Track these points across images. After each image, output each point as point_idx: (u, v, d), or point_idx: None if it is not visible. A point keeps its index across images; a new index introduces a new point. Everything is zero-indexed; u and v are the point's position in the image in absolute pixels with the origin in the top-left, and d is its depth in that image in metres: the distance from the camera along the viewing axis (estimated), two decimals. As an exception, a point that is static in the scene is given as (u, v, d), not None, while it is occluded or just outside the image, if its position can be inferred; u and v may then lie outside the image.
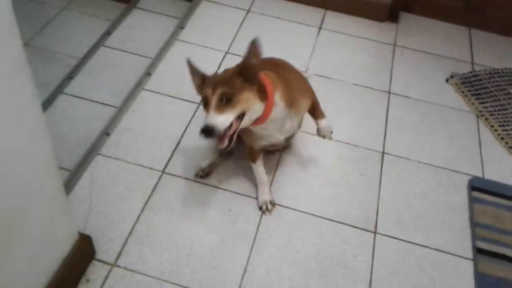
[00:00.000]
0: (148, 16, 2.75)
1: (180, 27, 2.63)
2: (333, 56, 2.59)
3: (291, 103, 1.61)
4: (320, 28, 2.75)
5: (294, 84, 1.67)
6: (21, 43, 1.00)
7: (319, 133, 1.85)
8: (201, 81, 1.55)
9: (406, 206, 1.94)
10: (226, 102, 1.41)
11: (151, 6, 2.84)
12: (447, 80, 2.52)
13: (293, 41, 2.65)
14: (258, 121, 1.54)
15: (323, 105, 2.23)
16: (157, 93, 2.26)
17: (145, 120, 2.13)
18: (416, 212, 1.92)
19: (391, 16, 2.85)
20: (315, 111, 1.81)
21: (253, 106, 1.47)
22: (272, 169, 2.00)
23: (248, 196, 1.90)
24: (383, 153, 2.13)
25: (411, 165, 2.09)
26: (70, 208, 1.46)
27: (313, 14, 2.84)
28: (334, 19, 2.83)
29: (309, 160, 2.07)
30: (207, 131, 1.38)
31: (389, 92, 2.42)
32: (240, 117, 1.45)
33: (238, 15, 2.75)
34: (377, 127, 2.24)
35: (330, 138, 1.86)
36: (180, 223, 1.78)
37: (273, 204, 1.88)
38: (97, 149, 1.98)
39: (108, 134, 2.04)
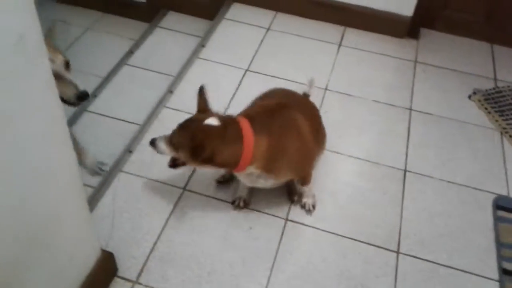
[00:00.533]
0: (170, 34, 2.79)
1: (201, 45, 2.66)
2: (353, 73, 2.59)
3: (271, 171, 1.62)
4: (340, 45, 2.76)
5: (291, 156, 1.64)
6: (49, 63, 1.02)
7: (301, 198, 1.91)
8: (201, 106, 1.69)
9: (429, 225, 1.91)
10: (172, 144, 1.59)
11: (173, 25, 2.89)
12: (469, 97, 2.50)
13: (313, 58, 2.66)
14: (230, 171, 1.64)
15: (344, 123, 2.23)
16: (179, 110, 2.28)
17: (167, 137, 2.15)
18: (439, 232, 1.89)
19: (411, 32, 2.84)
20: (302, 180, 1.84)
21: (190, 165, 1.61)
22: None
23: (268, 214, 1.90)
24: (405, 171, 2.10)
25: (434, 183, 2.07)
26: (94, 225, 1.48)
27: (332, 31, 2.85)
28: (354, 36, 2.83)
29: (330, 177, 2.06)
30: (152, 141, 1.66)
31: (411, 109, 2.40)
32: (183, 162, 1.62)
33: (258, 33, 2.78)
34: (398, 144, 2.22)
35: (309, 210, 1.89)
36: (201, 240, 1.78)
37: (314, 206, 1.91)
38: (119, 166, 2.01)
39: (130, 152, 2.07)
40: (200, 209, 1.89)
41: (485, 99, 2.46)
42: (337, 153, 2.15)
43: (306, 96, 2.16)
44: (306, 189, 1.87)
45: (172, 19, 2.97)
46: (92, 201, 1.86)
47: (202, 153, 1.49)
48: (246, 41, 2.71)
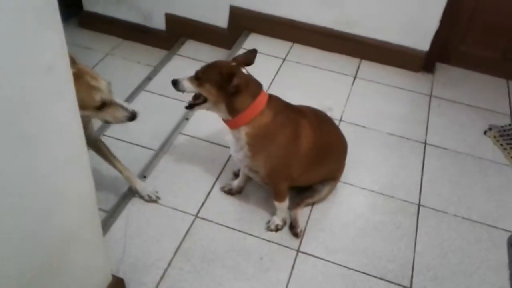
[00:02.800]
0: (188, 62, 2.85)
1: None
2: (368, 105, 2.60)
3: (253, 147, 1.72)
4: (355, 77, 2.79)
5: (276, 148, 1.72)
6: (74, 91, 1.05)
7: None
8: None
9: (443, 261, 1.88)
10: (198, 79, 1.70)
11: (191, 53, 2.95)
12: (485, 132, 2.49)
13: (328, 89, 2.68)
14: (226, 123, 1.74)
15: (358, 155, 2.23)
16: (194, 137, 2.31)
17: (181, 164, 2.17)
18: (453, 269, 1.86)
19: (426, 66, 2.86)
20: (272, 190, 1.90)
21: (211, 99, 1.70)
22: (304, 218, 1.99)
23: (279, 244, 1.89)
24: (419, 205, 2.09)
25: (448, 219, 2.04)
26: (106, 251, 1.49)
27: (348, 63, 2.88)
28: (369, 68, 2.86)
29: (343, 209, 2.05)
30: (174, 81, 1.75)
31: (425, 143, 2.39)
32: (204, 98, 1.72)
33: (274, 63, 2.82)
34: (412, 178, 2.21)
35: (269, 228, 1.92)
36: (211, 269, 1.78)
37: (279, 229, 1.93)
38: (132, 192, 2.02)
39: (144, 177, 2.08)
40: (211, 237, 1.88)
41: (501, 135, 2.45)
42: (351, 185, 2.15)
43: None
44: (277, 205, 1.89)
45: (191, 47, 3.04)
46: (105, 226, 1.87)
47: (231, 80, 1.61)
48: (263, 71, 2.71)
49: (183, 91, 1.74)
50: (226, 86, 1.63)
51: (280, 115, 1.71)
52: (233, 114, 1.68)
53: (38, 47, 0.87)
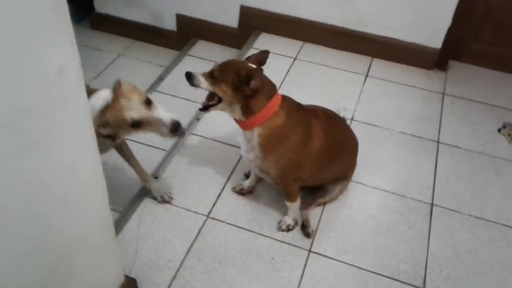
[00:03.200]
0: (199, 62, 2.86)
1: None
2: (380, 103, 2.58)
3: (265, 148, 1.71)
4: (366, 76, 2.77)
5: (288, 149, 1.72)
6: (86, 95, 1.06)
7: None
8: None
9: (456, 261, 1.86)
10: (213, 78, 1.67)
11: (202, 53, 2.95)
12: (499, 130, 2.46)
13: (339, 88, 2.67)
14: (239, 123, 1.73)
15: (370, 154, 2.22)
16: (205, 138, 2.32)
17: (192, 164, 2.18)
18: (467, 269, 1.84)
19: (439, 64, 2.83)
20: (283, 190, 1.89)
21: (226, 100, 1.67)
22: (316, 218, 1.98)
23: (291, 244, 1.88)
24: (432, 204, 2.07)
25: (461, 218, 2.02)
26: (119, 251, 1.50)
27: (359, 61, 2.86)
28: (381, 67, 2.84)
29: (355, 209, 2.04)
30: (189, 74, 1.72)
31: (438, 142, 2.37)
32: (218, 99, 1.69)
33: (285, 62, 2.81)
34: (425, 177, 2.19)
35: (280, 228, 1.93)
36: (223, 269, 1.78)
37: (290, 229, 1.93)
38: (145, 192, 2.03)
39: (156, 177, 2.10)
40: (223, 238, 1.89)
41: (515, 133, 2.41)
42: (362, 184, 2.14)
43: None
44: (289, 205, 1.89)
45: (201, 47, 3.04)
46: (117, 226, 1.89)
47: (249, 82, 1.60)
48: (274, 70, 2.71)
49: (197, 85, 1.71)
50: (243, 87, 1.62)
51: (293, 116, 1.71)
52: (247, 115, 1.68)
53: (48, 51, 0.88)
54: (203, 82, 1.69)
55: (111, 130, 1.61)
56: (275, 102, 1.68)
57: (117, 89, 1.57)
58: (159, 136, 1.63)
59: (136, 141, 2.30)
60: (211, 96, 1.73)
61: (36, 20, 0.83)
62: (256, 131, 1.69)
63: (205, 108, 1.76)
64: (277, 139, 1.70)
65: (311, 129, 1.75)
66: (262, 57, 1.78)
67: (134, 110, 1.56)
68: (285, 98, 1.74)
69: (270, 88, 1.69)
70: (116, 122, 1.58)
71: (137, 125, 1.58)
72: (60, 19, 0.88)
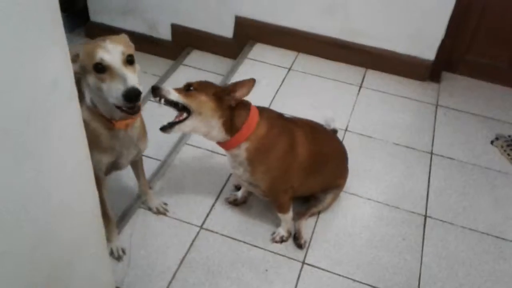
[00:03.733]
0: (193, 72, 2.86)
1: (224, 83, 2.71)
2: (374, 114, 2.59)
3: (253, 162, 1.68)
4: (360, 87, 2.78)
5: (275, 160, 1.70)
6: (79, 106, 1.05)
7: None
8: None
9: (450, 274, 1.86)
10: (188, 90, 1.58)
11: (197, 63, 2.96)
12: (492, 142, 2.47)
13: (333, 98, 2.68)
14: (222, 145, 1.68)
15: (363, 165, 2.22)
16: (199, 147, 2.31)
17: (186, 174, 2.17)
18: (460, 281, 1.84)
19: (433, 75, 2.85)
20: (273, 203, 1.88)
21: (204, 113, 1.58)
22: (310, 229, 1.98)
23: (284, 256, 1.88)
24: (425, 216, 2.07)
25: (455, 230, 2.02)
26: (111, 262, 1.49)
27: (353, 72, 2.88)
28: (375, 78, 2.85)
29: (348, 220, 2.03)
30: (154, 87, 1.57)
31: (432, 153, 2.38)
32: (188, 113, 1.58)
33: (279, 73, 2.82)
34: (419, 189, 2.19)
35: (274, 239, 1.91)
36: (216, 281, 1.77)
37: (284, 240, 1.92)
38: (139, 203, 2.02)
39: (150, 188, 2.08)
40: (216, 249, 1.88)
41: (508, 145, 2.42)
42: (356, 195, 2.14)
43: (334, 131, 2.17)
44: (281, 217, 1.88)
45: (196, 57, 3.05)
46: (110, 236, 1.87)
47: (235, 91, 1.59)
48: (268, 81, 2.75)
49: (163, 96, 1.55)
50: (225, 98, 1.59)
51: (275, 124, 1.70)
52: (231, 133, 1.63)
53: (42, 63, 0.87)
54: (172, 93, 1.55)
55: (77, 67, 1.41)
56: (254, 113, 1.66)
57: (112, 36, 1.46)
58: (110, 100, 1.40)
59: (130, 150, 2.29)
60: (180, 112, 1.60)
61: (31, 33, 0.83)
62: (243, 147, 1.65)
63: (169, 125, 1.58)
64: (264, 150, 1.68)
65: (294, 137, 1.74)
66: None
67: (108, 54, 1.37)
68: (262, 109, 1.73)
69: (245, 101, 1.68)
70: (85, 56, 1.39)
71: (100, 70, 1.37)
72: (54, 33, 0.88)
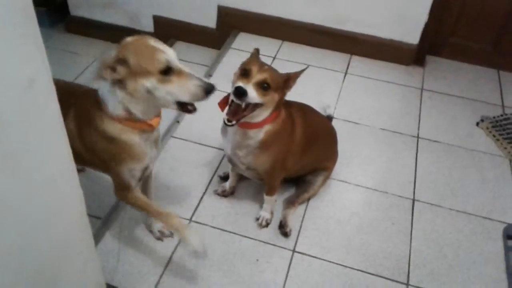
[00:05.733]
0: (177, 64, 2.82)
1: (208, 74, 2.69)
2: (360, 100, 2.59)
3: (263, 145, 1.69)
4: (346, 73, 2.78)
5: (280, 143, 1.72)
6: (58, 106, 1.03)
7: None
8: (256, 56, 1.69)
9: (439, 256, 1.88)
10: (262, 88, 1.54)
11: (180, 55, 2.88)
12: (477, 124, 2.49)
13: (319, 86, 2.67)
14: (246, 125, 1.65)
15: (351, 151, 2.23)
16: (186, 140, 2.30)
17: (174, 168, 2.16)
18: (449, 263, 1.86)
19: (417, 59, 2.86)
20: (267, 185, 1.89)
21: (270, 106, 1.61)
22: (299, 217, 1.98)
23: (274, 245, 1.88)
24: (413, 200, 2.08)
25: (443, 213, 2.04)
26: (99, 259, 1.47)
27: (338, 59, 2.87)
28: (360, 64, 2.85)
29: (338, 207, 2.04)
30: (241, 91, 1.50)
31: (418, 137, 2.39)
32: (256, 107, 1.57)
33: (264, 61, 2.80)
34: (406, 173, 2.20)
35: (261, 224, 1.93)
36: (207, 274, 1.77)
37: (269, 223, 1.94)
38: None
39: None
40: (207, 241, 1.87)
41: (493, 126, 2.45)
42: (344, 182, 2.14)
43: (329, 118, 2.21)
44: (268, 199, 1.91)
45: (180, 48, 3.02)
46: (98, 234, 1.86)
47: (290, 83, 1.64)
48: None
49: (248, 102, 1.53)
50: (284, 91, 1.65)
51: (286, 110, 1.74)
52: (274, 109, 1.64)
53: (17, 62, 0.85)
54: (256, 98, 1.53)
55: (124, 72, 1.35)
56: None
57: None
58: (181, 98, 1.38)
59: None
60: (236, 107, 1.56)
61: (5, 31, 0.81)
62: (266, 128, 1.67)
63: (237, 121, 1.57)
64: (278, 134, 1.70)
65: (294, 119, 1.78)
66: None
67: (172, 56, 1.36)
68: None
69: None
70: (141, 60, 1.33)
71: (168, 72, 1.34)
72: (29, 31, 0.86)
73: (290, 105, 1.81)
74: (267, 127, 1.67)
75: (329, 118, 2.21)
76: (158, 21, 3.07)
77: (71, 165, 1.11)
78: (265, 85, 1.54)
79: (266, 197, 1.90)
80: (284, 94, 1.66)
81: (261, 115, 1.62)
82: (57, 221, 1.15)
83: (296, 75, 1.66)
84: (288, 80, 1.64)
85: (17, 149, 0.91)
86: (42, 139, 0.98)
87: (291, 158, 1.82)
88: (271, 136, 1.69)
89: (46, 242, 1.14)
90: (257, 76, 1.54)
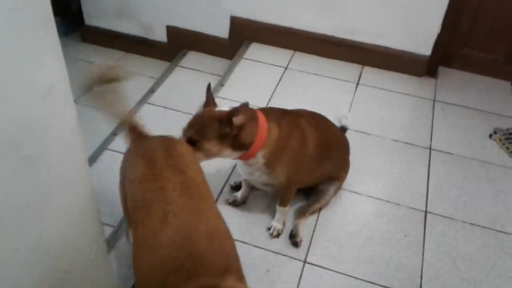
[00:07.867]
0: (190, 73, 2.85)
1: (220, 84, 2.70)
2: (372, 111, 2.59)
3: (271, 164, 1.69)
4: (357, 84, 2.78)
5: (290, 154, 1.71)
6: (75, 112, 1.05)
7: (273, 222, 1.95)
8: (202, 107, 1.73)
9: (451, 269, 1.86)
10: (193, 145, 1.56)
11: (193, 64, 2.95)
12: (490, 136, 2.47)
13: (330, 96, 2.68)
14: (239, 158, 1.68)
15: (363, 162, 2.22)
16: (197, 149, 2.30)
17: (185, 176, 2.17)
18: (462, 276, 1.84)
19: (429, 71, 2.85)
20: (281, 196, 1.87)
21: (220, 154, 1.62)
22: (310, 227, 1.97)
23: (286, 255, 1.87)
24: (426, 212, 2.07)
25: (455, 225, 2.02)
26: (112, 267, 1.48)
27: (350, 70, 2.87)
28: (372, 74, 2.85)
29: (349, 218, 2.03)
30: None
31: (430, 148, 2.38)
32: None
33: (276, 72, 2.82)
34: (418, 184, 2.19)
35: (272, 235, 1.92)
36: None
37: (280, 233, 1.93)
38: (138, 206, 2.01)
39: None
40: (218, 250, 1.87)
41: (506, 139, 2.43)
42: (356, 193, 2.13)
43: (343, 129, 2.22)
44: (280, 210, 1.90)
45: (192, 58, 3.04)
46: (112, 240, 1.87)
47: (231, 122, 1.55)
48: (265, 80, 2.75)
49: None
50: (228, 132, 1.57)
51: (284, 123, 1.72)
52: (246, 148, 1.64)
53: (37, 70, 0.87)
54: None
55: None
56: (262, 121, 1.66)
57: None
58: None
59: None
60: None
61: (25, 40, 0.83)
62: (260, 155, 1.68)
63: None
64: (280, 151, 1.70)
65: (303, 129, 1.77)
66: (210, 98, 1.74)
67: None
68: (266, 110, 1.74)
69: (249, 111, 1.63)
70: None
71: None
72: (48, 39, 0.88)
73: (299, 115, 1.81)
74: (261, 153, 1.67)
75: (343, 129, 2.21)
76: (172, 31, 3.10)
77: (86, 170, 1.13)
78: (192, 141, 1.57)
79: (279, 208, 1.90)
80: (229, 135, 1.57)
81: (223, 155, 1.64)
82: (71, 227, 1.16)
83: (236, 113, 1.55)
84: (227, 119, 1.55)
85: (36, 154, 0.93)
86: (61, 144, 1.00)
87: (306, 168, 1.82)
88: (271, 156, 1.69)
89: (58, 249, 1.15)
90: (185, 137, 1.60)
